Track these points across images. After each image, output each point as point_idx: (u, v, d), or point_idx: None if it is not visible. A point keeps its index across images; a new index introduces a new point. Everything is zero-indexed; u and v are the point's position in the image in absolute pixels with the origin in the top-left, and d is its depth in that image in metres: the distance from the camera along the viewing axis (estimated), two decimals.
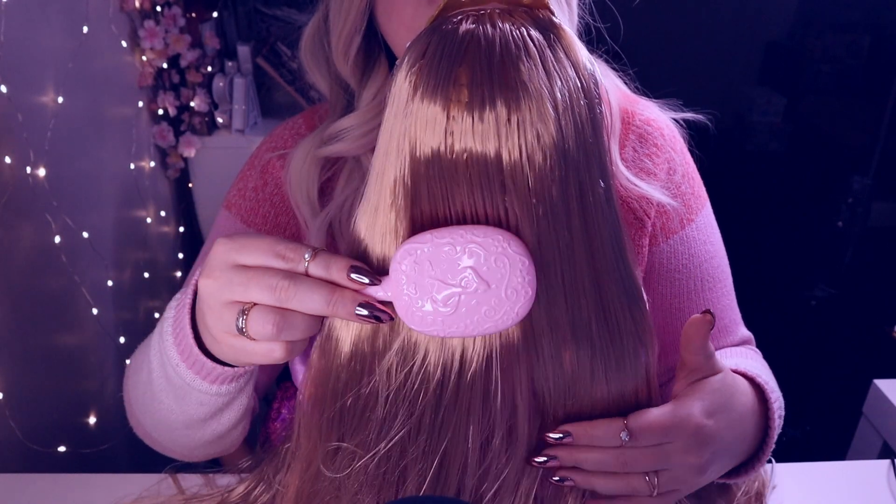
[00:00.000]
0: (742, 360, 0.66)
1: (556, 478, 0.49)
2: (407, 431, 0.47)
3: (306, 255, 0.44)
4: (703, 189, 0.74)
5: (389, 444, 0.47)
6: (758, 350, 0.76)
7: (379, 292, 0.44)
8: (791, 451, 0.69)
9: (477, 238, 0.41)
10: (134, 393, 0.64)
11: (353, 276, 0.43)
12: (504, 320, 0.42)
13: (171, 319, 0.54)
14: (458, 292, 0.42)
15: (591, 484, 0.49)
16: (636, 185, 0.67)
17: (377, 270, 0.45)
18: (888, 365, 1.61)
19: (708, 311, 0.51)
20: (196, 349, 0.52)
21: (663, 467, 0.49)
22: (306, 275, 0.44)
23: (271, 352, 0.46)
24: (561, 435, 0.47)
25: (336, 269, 0.44)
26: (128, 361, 1.54)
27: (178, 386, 0.54)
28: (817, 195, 2.40)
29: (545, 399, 0.48)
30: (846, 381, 1.49)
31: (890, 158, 2.34)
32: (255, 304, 0.44)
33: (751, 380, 0.60)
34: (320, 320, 0.46)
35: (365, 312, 0.43)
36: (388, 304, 0.44)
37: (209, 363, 0.52)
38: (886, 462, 0.75)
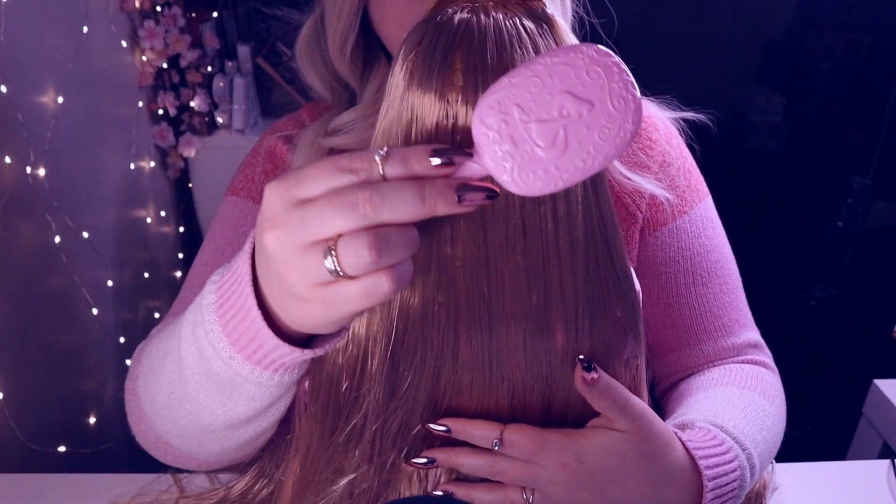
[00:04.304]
0: (716, 409, 0.61)
1: (438, 492, 0.50)
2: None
3: (376, 158, 0.36)
4: (703, 185, 0.73)
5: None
6: (767, 366, 0.70)
7: (473, 166, 0.37)
8: (791, 451, 0.69)
9: (557, 59, 0.37)
10: (149, 397, 0.54)
11: (437, 160, 0.37)
12: (622, 137, 0.37)
13: (214, 306, 0.45)
14: (561, 125, 0.37)
15: (471, 497, 0.50)
16: (629, 179, 0.67)
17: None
18: (888, 365, 1.60)
19: (591, 366, 0.47)
20: (266, 331, 0.42)
21: (533, 486, 0.50)
22: (383, 180, 0.37)
23: (377, 286, 0.37)
24: (444, 427, 0.49)
25: (416, 160, 0.37)
26: (128, 362, 1.54)
27: (227, 380, 0.46)
28: (817, 195, 2.40)
29: (524, 387, 0.48)
30: (846, 381, 1.49)
31: (890, 158, 2.34)
32: (339, 235, 0.36)
33: (688, 451, 0.54)
34: (416, 232, 0.38)
35: (469, 196, 0.37)
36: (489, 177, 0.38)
37: (284, 347, 0.43)
38: (886, 462, 0.75)
